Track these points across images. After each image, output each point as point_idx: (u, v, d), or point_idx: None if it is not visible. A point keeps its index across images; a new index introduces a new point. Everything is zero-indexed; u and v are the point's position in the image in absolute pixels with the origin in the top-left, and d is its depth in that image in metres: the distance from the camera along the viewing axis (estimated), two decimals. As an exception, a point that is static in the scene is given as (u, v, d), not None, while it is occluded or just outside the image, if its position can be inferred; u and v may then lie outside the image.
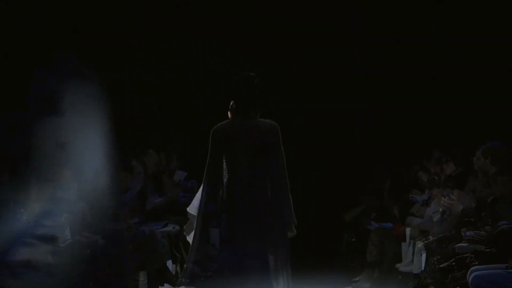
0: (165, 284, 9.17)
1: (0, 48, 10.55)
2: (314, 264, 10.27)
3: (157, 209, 10.45)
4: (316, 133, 12.57)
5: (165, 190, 10.62)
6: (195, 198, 6.41)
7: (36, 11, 10.90)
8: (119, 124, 11.94)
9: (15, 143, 10.05)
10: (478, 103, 11.00)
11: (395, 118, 12.14)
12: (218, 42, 12.32)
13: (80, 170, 9.11)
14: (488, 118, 10.54)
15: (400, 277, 9.23)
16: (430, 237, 7.75)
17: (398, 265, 8.86)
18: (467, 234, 7.27)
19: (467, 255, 7.03)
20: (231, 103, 6.02)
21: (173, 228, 9.95)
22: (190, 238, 6.04)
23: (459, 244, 7.22)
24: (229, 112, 6.17)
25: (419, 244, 8.57)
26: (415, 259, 8.73)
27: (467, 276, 6.74)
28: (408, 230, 8.93)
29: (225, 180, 5.57)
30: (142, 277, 8.76)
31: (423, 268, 8.27)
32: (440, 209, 8.27)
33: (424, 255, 8.24)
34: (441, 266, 7.48)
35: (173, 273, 9.50)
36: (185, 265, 5.76)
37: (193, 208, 6.31)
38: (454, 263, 7.07)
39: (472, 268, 6.79)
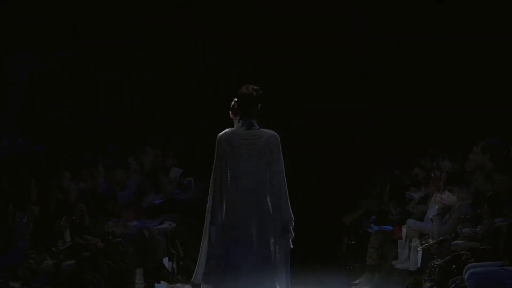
0: (161, 281, 9.15)
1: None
2: (314, 267, 10.27)
3: (154, 206, 10.46)
4: (316, 133, 12.56)
5: (161, 188, 10.63)
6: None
7: (36, 11, 10.92)
8: (119, 123, 12.03)
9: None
10: (477, 103, 11.01)
11: (395, 118, 12.14)
12: (218, 42, 12.30)
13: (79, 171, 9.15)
14: (488, 118, 10.57)
15: (396, 274, 9.27)
16: (430, 240, 7.73)
17: (394, 262, 8.86)
18: (463, 230, 7.30)
19: (463, 252, 7.08)
20: (232, 103, 6.30)
21: (170, 225, 9.94)
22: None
23: (455, 242, 7.25)
24: (230, 112, 6.43)
25: (415, 242, 8.66)
26: (411, 256, 8.76)
27: (463, 273, 6.80)
28: (404, 228, 8.99)
29: (229, 185, 5.91)
30: (139, 274, 8.72)
31: (419, 265, 8.36)
32: (436, 206, 8.29)
33: (420, 252, 8.32)
34: (438, 263, 7.56)
35: (170, 270, 9.49)
36: (197, 262, 6.06)
37: None
38: (450, 261, 7.16)
39: (468, 265, 6.85)
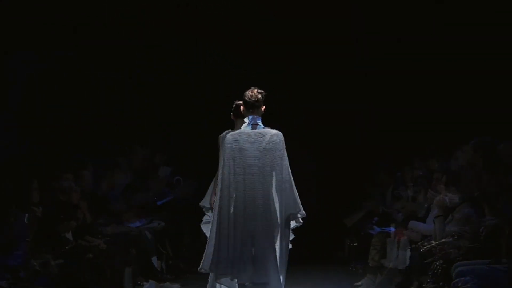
0: (150, 280, 9.13)
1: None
2: (316, 268, 10.30)
3: (158, 207, 10.47)
4: (316, 134, 12.56)
5: (150, 186, 10.62)
6: (207, 193, 7.60)
7: (36, 11, 10.89)
8: (119, 123, 12.01)
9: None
10: (479, 103, 11.01)
11: (395, 118, 12.14)
12: (218, 42, 12.29)
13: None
14: (489, 118, 10.58)
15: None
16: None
17: (383, 261, 8.86)
18: (451, 229, 7.32)
19: (451, 250, 7.11)
20: (234, 106, 7.13)
21: (159, 224, 9.95)
22: (205, 230, 7.20)
23: (443, 240, 7.27)
24: (231, 114, 7.33)
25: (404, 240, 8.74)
26: (399, 254, 8.74)
27: (451, 270, 6.84)
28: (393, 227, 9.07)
29: (236, 180, 6.34)
30: (127, 273, 8.68)
31: (407, 264, 8.45)
32: (425, 205, 8.28)
33: (408, 251, 8.44)
34: (426, 261, 7.62)
35: (158, 269, 9.47)
36: (205, 251, 6.39)
37: (206, 201, 7.58)
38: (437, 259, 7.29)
39: (456, 263, 6.89)
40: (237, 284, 6.40)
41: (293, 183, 6.39)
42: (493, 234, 7.04)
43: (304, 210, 6.39)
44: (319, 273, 10.14)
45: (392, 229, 9.05)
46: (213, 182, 7.58)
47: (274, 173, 6.34)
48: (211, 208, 7.53)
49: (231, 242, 6.27)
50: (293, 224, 6.42)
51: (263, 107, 6.49)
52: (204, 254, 6.38)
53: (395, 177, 10.16)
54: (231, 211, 6.31)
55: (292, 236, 6.48)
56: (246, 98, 6.47)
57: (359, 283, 9.05)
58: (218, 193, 6.41)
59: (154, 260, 9.44)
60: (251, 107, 6.45)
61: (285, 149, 6.39)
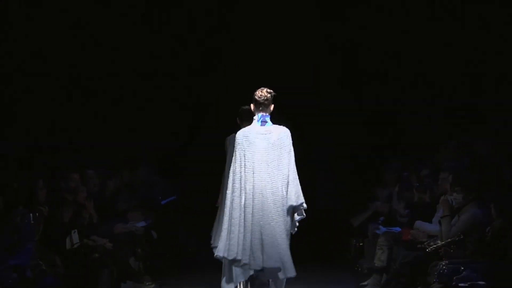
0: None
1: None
2: (322, 268, 10.29)
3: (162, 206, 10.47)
4: (325, 134, 12.58)
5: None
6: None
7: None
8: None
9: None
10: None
11: (404, 118, 12.17)
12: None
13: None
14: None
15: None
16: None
17: (388, 261, 8.86)
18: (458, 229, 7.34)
19: (457, 250, 7.14)
20: (240, 111, 8.09)
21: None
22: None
23: (449, 240, 7.34)
24: (237, 118, 8.20)
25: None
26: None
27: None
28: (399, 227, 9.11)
29: (247, 173, 6.88)
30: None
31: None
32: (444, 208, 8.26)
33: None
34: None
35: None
36: (220, 238, 6.98)
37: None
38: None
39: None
40: (251, 271, 6.94)
41: (297, 177, 6.92)
42: (499, 234, 7.04)
43: (310, 210, 6.94)
44: (325, 272, 10.13)
45: (398, 229, 9.04)
46: (222, 182, 8.33)
47: (280, 167, 6.87)
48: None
49: (242, 231, 6.81)
50: (298, 217, 6.95)
51: (272, 106, 6.99)
52: (219, 241, 6.97)
53: (401, 177, 10.15)
54: (242, 202, 6.84)
55: (296, 225, 6.99)
56: (256, 97, 6.97)
57: (365, 283, 9.02)
58: (230, 186, 6.95)
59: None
60: (261, 105, 6.96)
61: (291, 145, 6.92)
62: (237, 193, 6.89)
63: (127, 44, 11.98)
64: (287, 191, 6.88)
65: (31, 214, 7.47)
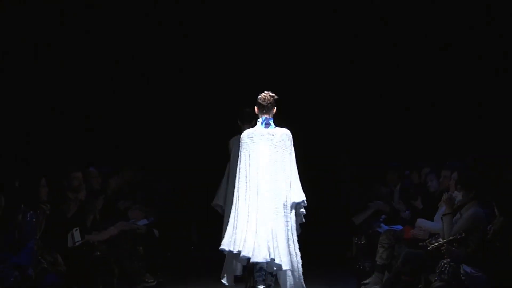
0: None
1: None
2: (324, 266, 10.29)
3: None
4: (325, 132, 12.59)
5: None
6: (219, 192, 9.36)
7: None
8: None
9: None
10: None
11: (405, 118, 12.18)
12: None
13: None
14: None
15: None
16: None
17: (390, 259, 8.86)
18: (460, 227, 7.34)
19: (458, 248, 7.13)
20: (240, 113, 8.94)
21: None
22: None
23: (451, 238, 7.28)
24: (238, 120, 9.06)
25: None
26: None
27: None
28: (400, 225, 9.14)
29: (251, 173, 7.37)
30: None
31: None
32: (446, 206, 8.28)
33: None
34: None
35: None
36: (225, 232, 7.49)
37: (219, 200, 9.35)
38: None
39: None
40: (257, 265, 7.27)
41: (298, 176, 7.45)
42: (500, 232, 7.04)
43: (313, 209, 7.61)
44: (327, 271, 10.14)
45: (400, 227, 9.04)
46: (222, 182, 9.17)
47: (283, 167, 7.38)
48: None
49: (246, 226, 7.26)
50: (301, 210, 7.47)
51: (275, 109, 7.47)
52: (224, 235, 7.47)
53: (403, 176, 10.16)
54: (247, 199, 7.33)
55: (299, 220, 7.52)
56: (260, 100, 7.45)
57: (367, 281, 9.02)
58: (236, 184, 7.48)
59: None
60: (264, 108, 7.44)
61: (292, 146, 7.43)
62: (242, 191, 7.38)
63: (127, 45, 11.99)
64: (290, 189, 7.38)
65: (32, 212, 7.46)
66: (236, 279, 7.74)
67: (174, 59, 12.40)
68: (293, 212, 7.44)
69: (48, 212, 7.69)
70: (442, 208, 8.04)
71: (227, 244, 7.34)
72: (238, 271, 7.71)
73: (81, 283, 7.74)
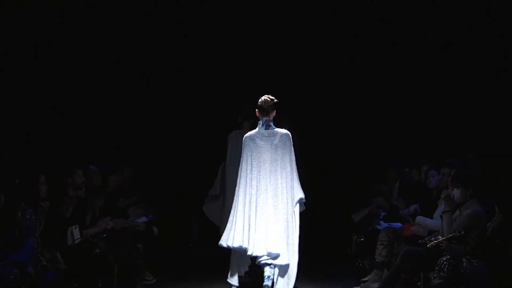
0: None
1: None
2: (323, 264, 10.29)
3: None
4: (324, 131, 12.58)
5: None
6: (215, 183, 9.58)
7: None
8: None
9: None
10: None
11: (406, 116, 12.18)
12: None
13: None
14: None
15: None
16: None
17: (389, 256, 8.86)
18: (459, 224, 7.34)
19: (458, 246, 7.13)
20: (241, 109, 9.10)
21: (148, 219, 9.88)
22: (207, 212, 9.65)
23: (450, 235, 7.30)
24: (239, 116, 9.22)
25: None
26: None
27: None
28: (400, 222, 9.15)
29: (252, 172, 7.80)
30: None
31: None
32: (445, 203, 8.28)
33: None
34: (447, 260, 7.59)
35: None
36: (226, 228, 7.87)
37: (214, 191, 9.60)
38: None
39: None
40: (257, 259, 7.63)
41: (297, 174, 7.88)
42: (500, 230, 7.04)
43: (312, 206, 8.04)
44: (326, 268, 10.14)
45: (399, 224, 9.04)
46: (219, 173, 9.45)
47: (282, 166, 7.79)
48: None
49: (246, 222, 7.64)
50: (299, 208, 7.86)
51: (275, 112, 7.88)
52: (225, 231, 7.82)
53: (403, 173, 10.16)
54: (248, 197, 7.73)
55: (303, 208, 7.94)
56: (260, 104, 7.85)
57: (366, 278, 9.01)
58: (237, 182, 7.91)
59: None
60: (264, 111, 7.85)
61: (292, 146, 7.86)
62: (242, 189, 7.81)
63: (127, 45, 12.00)
64: (288, 186, 7.81)
65: (32, 210, 7.45)
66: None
67: (174, 59, 12.41)
68: (293, 209, 7.83)
69: (47, 209, 7.69)
70: (442, 206, 8.03)
71: (226, 240, 7.73)
72: (242, 272, 8.05)
73: (81, 280, 7.72)
